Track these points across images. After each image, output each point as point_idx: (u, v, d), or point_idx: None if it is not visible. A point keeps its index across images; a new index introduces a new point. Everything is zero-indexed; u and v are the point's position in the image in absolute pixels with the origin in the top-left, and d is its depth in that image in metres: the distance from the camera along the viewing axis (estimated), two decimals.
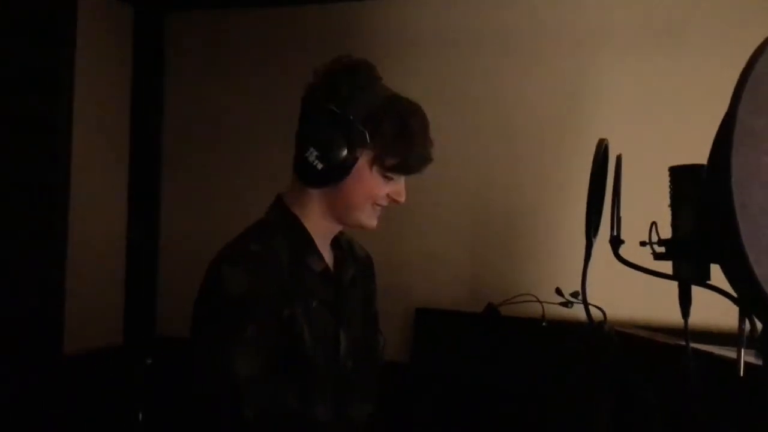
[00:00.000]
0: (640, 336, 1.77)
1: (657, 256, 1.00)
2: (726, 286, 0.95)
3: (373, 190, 1.24)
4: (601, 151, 1.04)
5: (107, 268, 2.63)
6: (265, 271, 1.18)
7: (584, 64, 2.18)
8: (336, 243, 1.36)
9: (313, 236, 1.27)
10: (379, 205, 1.27)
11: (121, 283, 2.68)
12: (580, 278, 1.06)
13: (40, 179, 2.35)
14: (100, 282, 2.58)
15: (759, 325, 0.96)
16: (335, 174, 1.19)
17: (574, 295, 1.79)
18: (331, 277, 1.30)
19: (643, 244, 1.00)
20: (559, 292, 1.88)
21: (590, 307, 1.06)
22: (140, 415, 2.46)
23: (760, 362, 1.00)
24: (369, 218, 1.27)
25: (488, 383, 2.03)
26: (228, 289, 1.14)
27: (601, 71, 2.16)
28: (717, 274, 0.97)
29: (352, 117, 1.18)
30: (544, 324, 1.91)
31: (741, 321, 0.98)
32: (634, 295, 1.89)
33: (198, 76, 2.71)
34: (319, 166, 1.18)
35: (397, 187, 1.27)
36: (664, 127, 2.05)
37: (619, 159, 1.06)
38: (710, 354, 1.44)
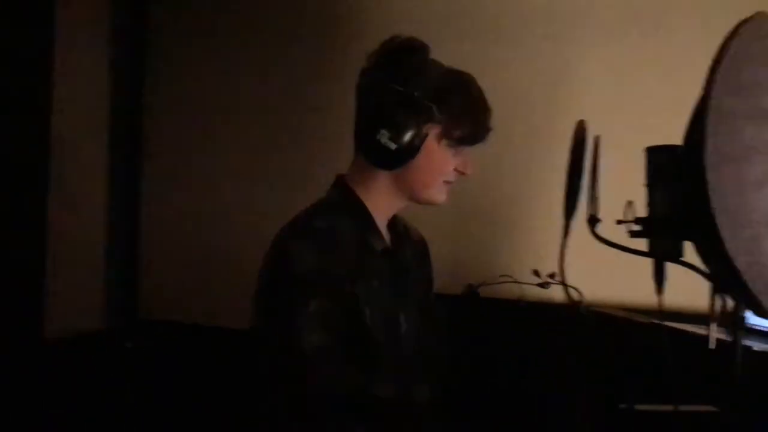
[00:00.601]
0: (616, 315, 1.82)
1: (633, 234, 1.03)
2: (699, 265, 0.98)
3: (441, 165, 1.27)
4: (580, 132, 1.07)
5: (88, 252, 2.60)
6: (331, 247, 1.19)
7: (562, 47, 2.20)
8: (392, 226, 1.38)
9: (374, 217, 1.30)
10: (447, 181, 1.30)
11: (101, 267, 2.66)
12: (556, 260, 1.09)
13: (19, 161, 2.32)
14: (80, 265, 2.55)
15: (730, 302, 1.00)
16: (408, 153, 1.20)
17: (552, 276, 1.82)
18: (392, 257, 1.32)
19: (619, 222, 1.03)
20: (536, 273, 1.92)
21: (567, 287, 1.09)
22: (124, 399, 2.46)
23: (731, 338, 1.04)
24: (440, 194, 1.30)
25: (468, 363, 2.06)
26: (295, 264, 1.16)
27: (579, 54, 2.18)
28: (690, 255, 1.00)
29: (416, 94, 1.20)
30: (522, 305, 1.95)
31: (712, 296, 1.01)
32: (610, 276, 1.92)
33: (180, 54, 2.66)
34: (392, 146, 1.18)
35: (464, 158, 1.30)
36: (641, 109, 2.08)
37: (597, 140, 1.09)
38: (683, 331, 1.49)
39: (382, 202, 1.30)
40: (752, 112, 0.82)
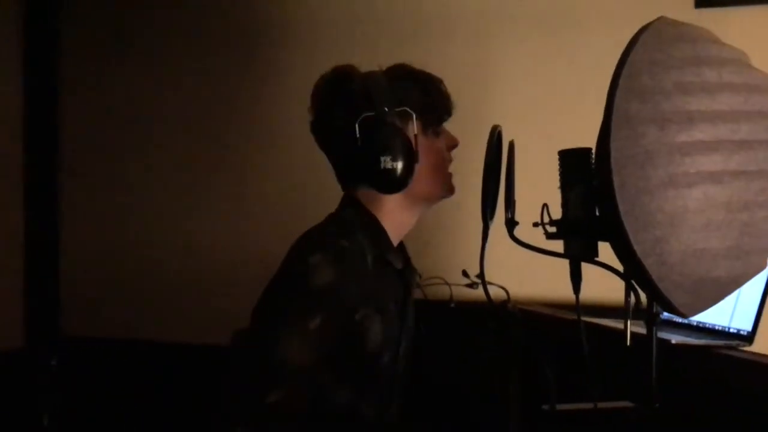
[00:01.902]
0: (541, 312, 1.85)
1: (549, 236, 1.05)
2: (615, 262, 1.00)
3: (438, 154, 1.32)
4: (495, 137, 1.09)
5: (4, 268, 2.50)
6: (352, 268, 1.19)
7: (477, 51, 2.21)
8: (399, 248, 1.38)
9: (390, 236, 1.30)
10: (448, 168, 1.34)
11: (19, 283, 2.56)
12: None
13: None
14: None
15: (643, 297, 1.03)
16: (412, 160, 1.23)
17: (479, 276, 1.84)
18: (404, 277, 1.34)
19: (536, 224, 1.05)
20: (465, 274, 1.93)
21: (494, 286, 1.11)
22: (46, 421, 2.38)
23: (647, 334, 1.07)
24: (451, 184, 1.36)
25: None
26: (313, 278, 1.15)
27: (494, 59, 2.20)
28: (608, 252, 1.02)
29: (386, 108, 1.22)
30: (452, 305, 1.96)
31: (627, 294, 1.04)
32: (535, 274, 1.95)
33: (99, 59, 2.58)
34: (399, 165, 1.20)
35: (447, 134, 1.35)
36: (555, 113, 2.11)
37: (511, 145, 1.10)
38: (601, 326, 1.53)
39: (397, 220, 1.32)
40: (654, 116, 0.84)
